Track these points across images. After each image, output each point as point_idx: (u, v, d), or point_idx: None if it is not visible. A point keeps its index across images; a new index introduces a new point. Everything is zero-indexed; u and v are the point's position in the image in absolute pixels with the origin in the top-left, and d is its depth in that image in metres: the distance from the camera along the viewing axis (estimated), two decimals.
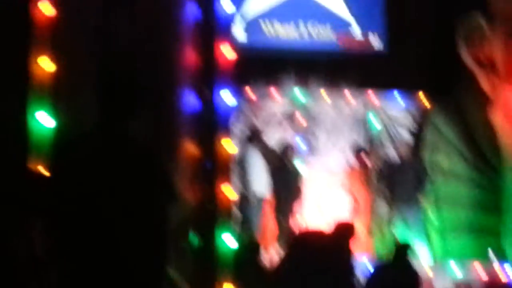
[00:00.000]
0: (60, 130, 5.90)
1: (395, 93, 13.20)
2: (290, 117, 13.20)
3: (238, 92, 12.16)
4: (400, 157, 12.00)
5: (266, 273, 7.63)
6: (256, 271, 7.93)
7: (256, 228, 11.37)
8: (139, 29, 7.38)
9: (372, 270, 8.92)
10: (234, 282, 6.68)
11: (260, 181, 11.37)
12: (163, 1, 7.64)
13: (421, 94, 13.09)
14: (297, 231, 10.74)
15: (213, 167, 7.26)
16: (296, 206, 12.08)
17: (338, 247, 6.88)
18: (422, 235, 11.85)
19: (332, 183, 12.71)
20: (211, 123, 7.47)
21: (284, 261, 6.89)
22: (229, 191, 7.09)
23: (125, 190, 4.25)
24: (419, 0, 13.39)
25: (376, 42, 13.60)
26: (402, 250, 9.14)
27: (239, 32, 13.19)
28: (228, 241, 6.82)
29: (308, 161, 13.06)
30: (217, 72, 7.57)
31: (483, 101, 11.38)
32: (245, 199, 11.27)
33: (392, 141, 12.84)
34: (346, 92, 13.28)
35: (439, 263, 11.45)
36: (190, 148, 7.51)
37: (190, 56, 7.83)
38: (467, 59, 11.66)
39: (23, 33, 6.46)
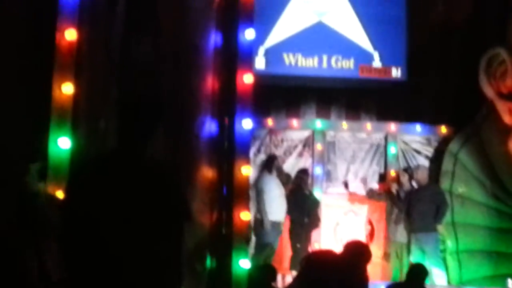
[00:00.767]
0: (78, 153, 5.97)
1: (417, 126, 13.20)
2: (310, 147, 13.26)
3: (259, 121, 12.28)
4: (419, 185, 11.97)
5: None
6: None
7: (272, 253, 11.39)
8: (161, 55, 7.48)
9: None
10: None
11: (278, 207, 11.39)
12: (186, 28, 7.73)
13: (443, 127, 13.09)
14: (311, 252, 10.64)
15: (230, 192, 7.30)
16: (313, 233, 12.10)
17: (351, 267, 6.78)
18: (439, 261, 11.81)
19: (349, 210, 12.70)
20: (229, 149, 7.51)
21: (295, 280, 6.83)
22: (245, 216, 7.12)
23: (141, 210, 4.28)
24: (443, 33, 13.39)
25: (398, 74, 13.59)
26: (415, 270, 9.12)
27: (260, 63, 13.26)
28: (244, 265, 6.84)
29: (327, 189, 13.12)
30: (238, 100, 7.62)
31: (503, 132, 11.42)
32: (261, 224, 11.28)
33: (411, 169, 12.83)
34: (367, 123, 13.36)
35: (455, 286, 11.41)
36: (208, 173, 7.56)
37: (211, 83, 7.91)
38: (489, 91, 11.75)
39: (47, 58, 6.57)
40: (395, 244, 12.03)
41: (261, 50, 13.29)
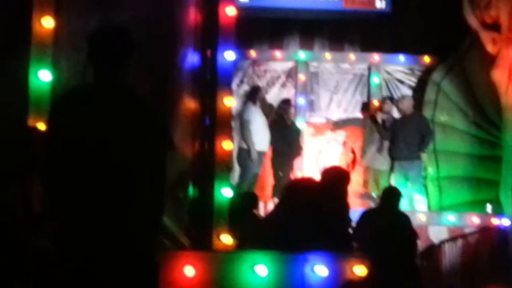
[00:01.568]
0: (59, 86, 5.99)
1: (400, 56, 13.25)
2: (293, 77, 13.34)
3: (242, 53, 12.32)
4: (404, 114, 12.09)
5: (262, 223, 7.73)
6: (253, 221, 8.08)
7: (254, 181, 11.59)
8: None
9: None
10: (230, 232, 6.82)
11: (262, 137, 11.53)
12: None
13: (426, 57, 13.15)
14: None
15: (213, 123, 7.37)
16: (295, 162, 12.27)
17: (330, 192, 6.87)
18: (421, 187, 12.05)
19: (331, 139, 12.85)
20: (212, 80, 7.55)
21: (277, 207, 6.94)
22: (227, 146, 7.21)
23: (121, 139, 4.33)
24: None
25: (382, 5, 13.54)
26: (389, 193, 9.26)
27: None
28: (226, 193, 6.94)
29: (309, 119, 13.25)
30: (220, 32, 7.63)
31: (486, 62, 11.50)
32: (244, 153, 11.43)
33: (395, 99, 12.94)
34: (350, 53, 13.41)
35: (434, 212, 11.66)
36: (191, 104, 7.63)
37: (194, 16, 7.92)
38: (473, 21, 11.76)
39: None
40: (374, 171, 12.23)
41: None
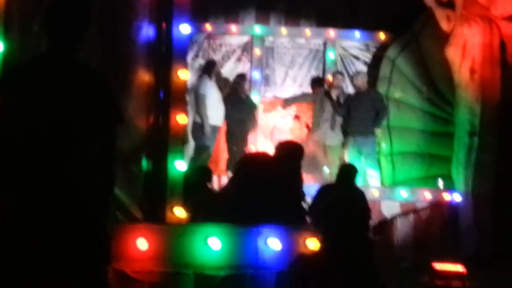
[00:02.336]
0: (11, 57, 5.89)
1: (356, 32, 13.29)
2: (249, 52, 13.31)
3: (197, 26, 12.25)
4: (359, 90, 12.15)
5: (215, 196, 7.73)
6: (206, 195, 8.08)
7: (209, 155, 11.58)
8: None
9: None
10: (184, 206, 6.80)
11: (216, 111, 11.52)
12: None
13: (381, 34, 13.21)
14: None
15: (167, 96, 7.32)
16: (249, 136, 12.29)
17: (283, 165, 6.87)
18: (375, 162, 12.14)
19: (286, 114, 12.87)
20: (167, 53, 7.50)
21: (231, 181, 6.94)
22: (182, 119, 7.18)
23: (71, 112, 4.30)
24: None
25: None
26: (346, 170, 9.33)
27: None
28: (180, 167, 6.92)
29: (264, 94, 13.25)
30: (175, 5, 7.57)
31: (441, 39, 11.57)
32: (199, 127, 11.41)
33: (349, 74, 13.01)
34: (306, 29, 13.41)
35: (387, 187, 11.77)
36: (145, 77, 7.56)
37: None
38: None
39: None
40: (326, 147, 12.28)
41: None
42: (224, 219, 5.99)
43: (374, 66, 13.08)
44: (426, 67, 12.44)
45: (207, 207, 7.04)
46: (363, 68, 13.13)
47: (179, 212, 6.70)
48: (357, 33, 13.32)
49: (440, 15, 11.56)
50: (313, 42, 13.51)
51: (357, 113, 11.91)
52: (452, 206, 10.80)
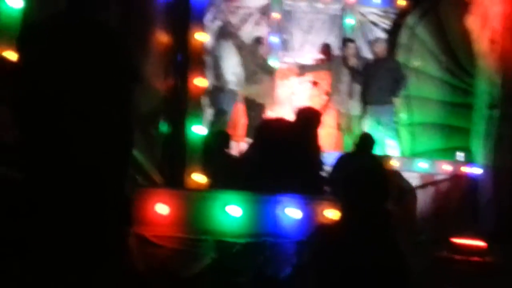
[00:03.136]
0: (30, 13, 5.78)
1: None
2: (267, 15, 13.11)
3: None
4: (377, 57, 11.99)
5: (235, 162, 7.66)
6: (225, 160, 7.98)
7: (227, 120, 11.44)
8: None
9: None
10: (202, 171, 6.74)
11: (233, 74, 11.36)
12: None
13: (401, 0, 13.02)
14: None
15: (185, 59, 7.22)
16: (267, 102, 12.13)
17: (301, 131, 6.80)
18: (393, 132, 11.99)
19: (305, 80, 12.69)
20: (184, 15, 7.38)
21: (250, 147, 6.88)
22: (200, 82, 7.07)
23: (90, 71, 4.27)
24: None
25: None
26: (364, 139, 9.21)
27: None
28: (198, 130, 6.85)
29: (283, 58, 13.07)
30: None
31: (461, 7, 11.36)
32: (218, 91, 11.26)
33: (368, 41, 12.83)
34: None
35: (406, 158, 11.63)
36: (163, 38, 7.44)
37: None
38: None
39: None
40: (345, 115, 12.15)
41: None
42: (243, 185, 5.94)
43: (393, 33, 12.86)
44: (446, 36, 12.26)
45: (226, 173, 6.97)
46: (382, 35, 12.92)
47: (199, 178, 6.65)
48: None
49: None
50: (332, 7, 13.31)
51: (374, 81, 11.74)
52: (471, 180, 10.66)
